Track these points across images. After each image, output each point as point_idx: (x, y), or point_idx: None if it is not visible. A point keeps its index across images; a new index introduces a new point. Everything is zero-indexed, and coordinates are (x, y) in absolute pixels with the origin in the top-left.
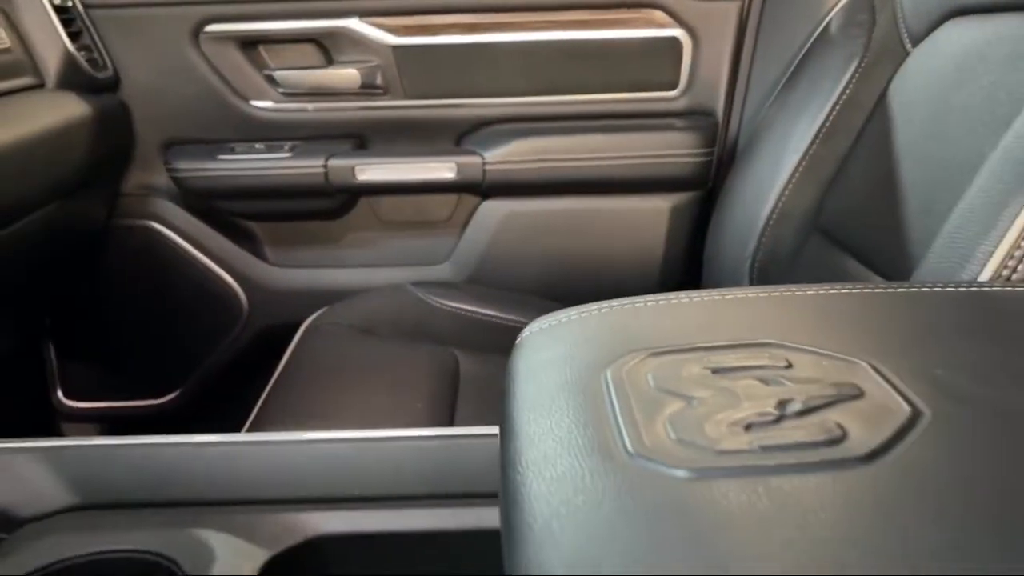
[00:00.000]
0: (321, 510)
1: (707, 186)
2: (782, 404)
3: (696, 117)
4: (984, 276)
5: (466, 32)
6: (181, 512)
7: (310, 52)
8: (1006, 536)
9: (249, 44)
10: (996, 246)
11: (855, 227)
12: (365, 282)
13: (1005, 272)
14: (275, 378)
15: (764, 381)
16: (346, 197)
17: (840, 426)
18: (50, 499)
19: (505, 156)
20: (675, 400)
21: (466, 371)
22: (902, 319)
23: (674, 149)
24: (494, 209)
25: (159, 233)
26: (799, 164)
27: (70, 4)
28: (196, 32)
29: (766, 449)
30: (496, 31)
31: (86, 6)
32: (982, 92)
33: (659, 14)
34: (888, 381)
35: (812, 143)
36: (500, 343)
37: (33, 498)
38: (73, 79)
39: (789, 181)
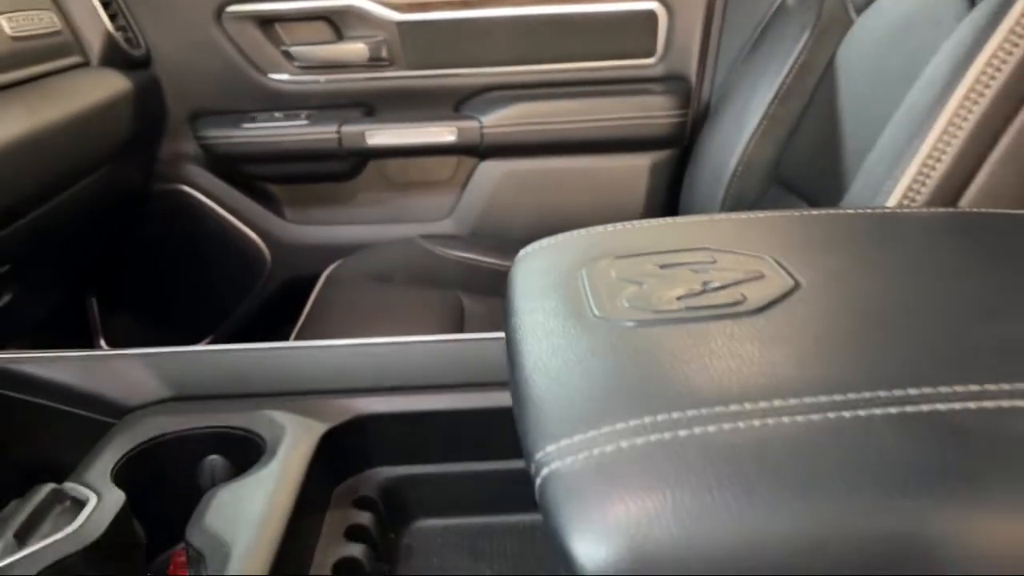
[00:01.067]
0: (364, 396)
1: (683, 144)
2: (705, 283)
3: (671, 82)
4: (890, 204)
5: (462, 8)
6: (256, 400)
7: (322, 28)
8: (861, 360)
9: (267, 22)
10: (898, 182)
11: (807, 177)
12: (375, 237)
13: (905, 202)
14: (301, 321)
15: (695, 271)
16: (357, 160)
17: (743, 295)
18: (150, 393)
19: (500, 120)
20: (631, 285)
21: (470, 311)
22: (808, 232)
23: (652, 111)
24: (491, 169)
25: (190, 195)
26: (760, 123)
27: None
28: (219, 12)
29: (690, 308)
30: (489, 6)
31: None
32: (909, 54)
33: None
34: (783, 268)
35: (771, 104)
36: (499, 287)
37: (136, 392)
38: (113, 57)
39: (752, 138)
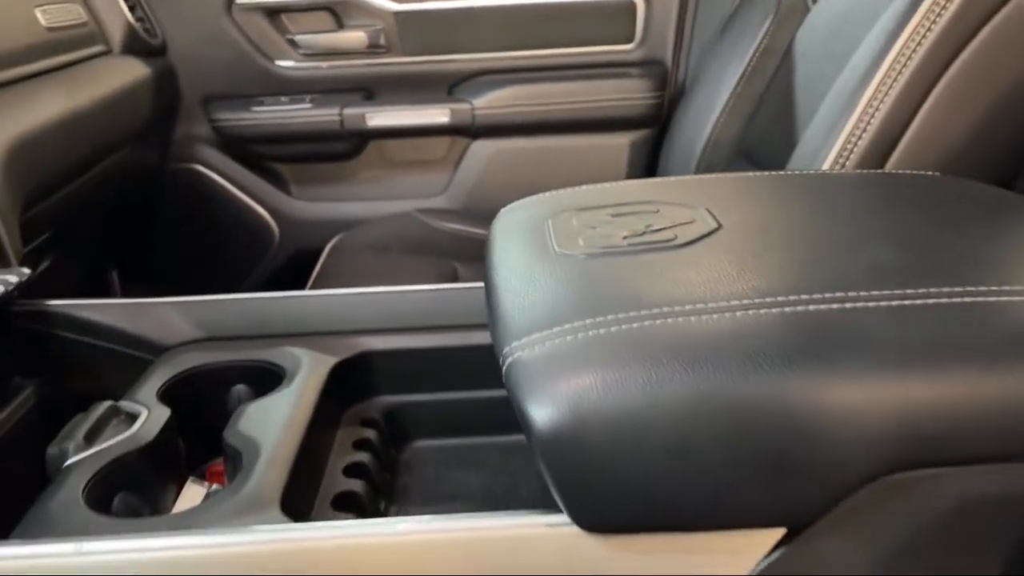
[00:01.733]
0: (370, 335)
1: (660, 124)
2: (647, 227)
3: (649, 66)
4: (824, 168)
5: None
6: (276, 339)
7: (324, 18)
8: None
9: (273, 13)
10: (831, 149)
11: (765, 150)
12: (375, 212)
13: (836, 167)
14: (309, 287)
15: (640, 218)
16: (358, 140)
17: (675, 234)
18: (185, 334)
19: (491, 103)
20: (587, 229)
21: (463, 277)
22: (739, 189)
23: (631, 94)
24: (482, 148)
25: (203, 174)
26: (728, 102)
27: None
28: (229, 4)
29: (631, 245)
30: None
31: None
32: (851, 37)
33: None
34: (712, 215)
35: (737, 85)
36: None
37: (173, 333)
38: (133, 46)
39: (720, 116)
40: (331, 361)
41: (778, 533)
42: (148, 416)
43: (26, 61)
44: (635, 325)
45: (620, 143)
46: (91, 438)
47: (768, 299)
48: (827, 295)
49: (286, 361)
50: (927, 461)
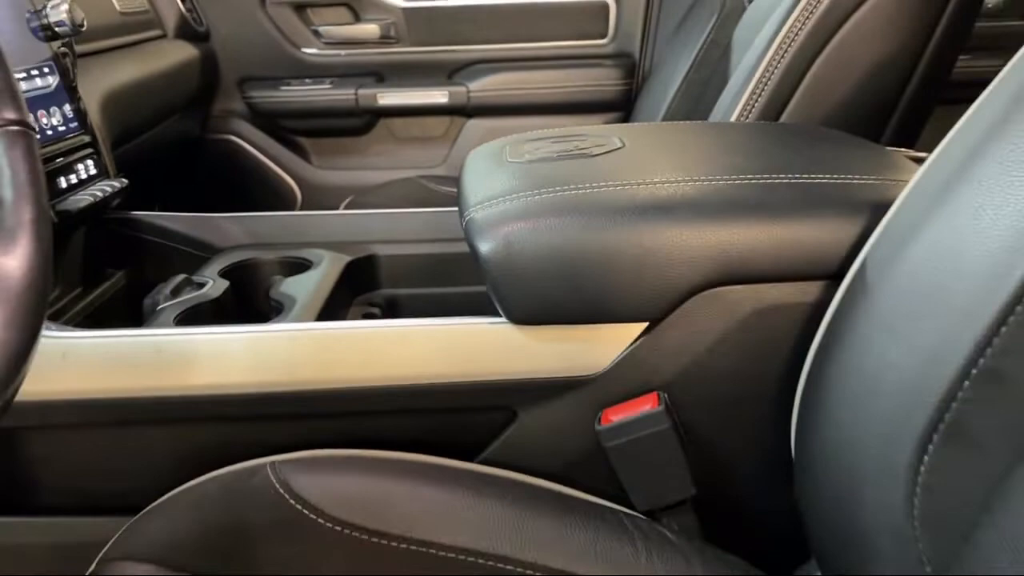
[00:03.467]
0: (376, 244)
1: (628, 108)
2: (575, 147)
3: (619, 58)
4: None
5: None
6: (304, 246)
7: (343, 12)
8: (643, 169)
9: (301, 7)
10: (737, 106)
11: None
12: (383, 179)
13: (741, 119)
14: None
15: (572, 142)
16: (370, 117)
17: (592, 150)
18: (234, 239)
19: (484, 87)
20: (533, 149)
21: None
22: (652, 130)
23: (604, 81)
24: (476, 126)
25: (237, 144)
26: (679, 88)
27: None
28: None
29: (560, 155)
30: None
31: None
32: (771, 29)
33: None
34: (621, 140)
35: (688, 72)
36: None
37: (225, 239)
38: (183, 31)
39: (673, 99)
40: (346, 259)
41: (641, 326)
42: (212, 284)
43: (107, 37)
44: (553, 194)
45: (594, 123)
46: (174, 294)
47: (641, 180)
48: (685, 178)
49: (312, 257)
50: (732, 280)
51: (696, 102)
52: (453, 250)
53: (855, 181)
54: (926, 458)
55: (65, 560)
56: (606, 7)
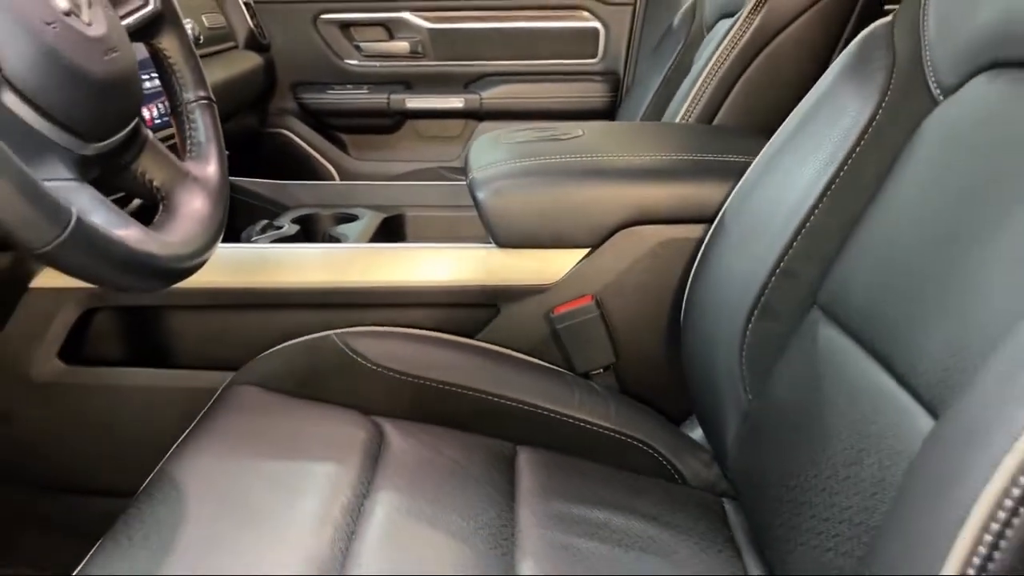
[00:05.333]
0: (407, 208)
1: (612, 116)
2: (550, 135)
3: (607, 75)
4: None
5: (470, 21)
6: (352, 207)
7: (380, 31)
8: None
9: (345, 26)
10: (679, 110)
11: None
12: (408, 169)
13: (684, 119)
14: None
15: (551, 132)
16: (399, 118)
17: (562, 136)
18: (299, 200)
19: (494, 96)
20: (520, 135)
21: None
22: (615, 126)
23: (593, 94)
24: (487, 128)
25: (288, 137)
26: (651, 100)
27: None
28: (315, 19)
29: (538, 139)
30: (487, 21)
31: (256, 1)
32: (710, 50)
33: (586, 12)
34: (583, 131)
35: (658, 88)
36: None
37: (292, 200)
38: (250, 43)
39: (646, 109)
40: (382, 216)
41: (583, 251)
42: (287, 227)
43: (200, 47)
44: (529, 162)
45: None
46: (261, 232)
47: (589, 155)
48: (618, 154)
49: (357, 213)
50: (643, 222)
51: (661, 112)
52: (461, 214)
53: (725, 157)
54: (749, 326)
55: (191, 400)
56: (597, 32)
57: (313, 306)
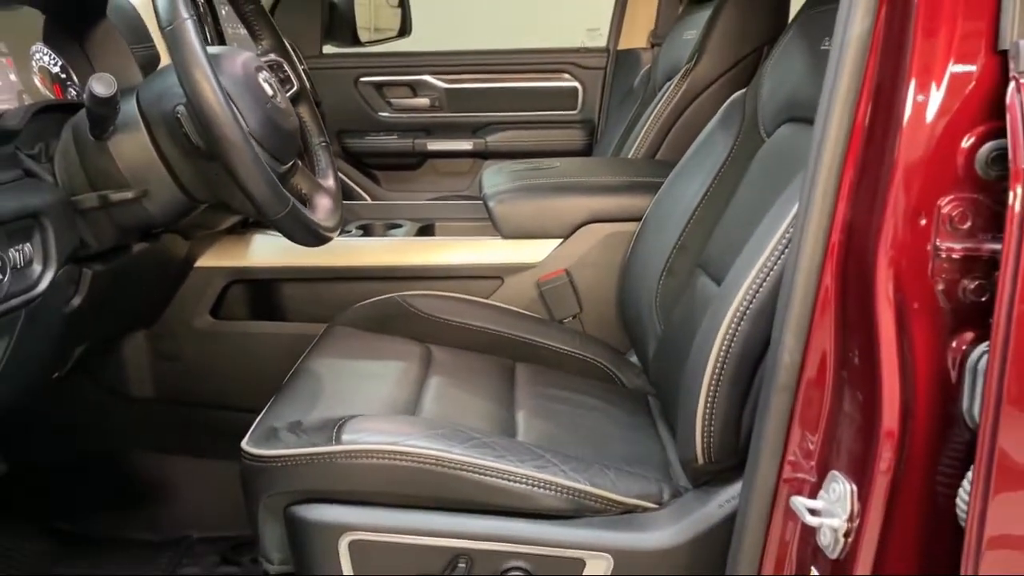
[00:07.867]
0: (434, 220)
1: (590, 154)
2: (536, 167)
3: (584, 123)
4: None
5: (478, 82)
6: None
7: (407, 90)
8: (580, 169)
9: (379, 86)
10: (631, 150)
11: None
12: (428, 198)
13: (635, 155)
14: None
15: (532, 164)
16: (421, 158)
17: (545, 168)
18: (355, 215)
19: (496, 140)
20: (517, 167)
21: None
22: (579, 161)
23: (574, 138)
24: (490, 164)
25: None
26: (617, 142)
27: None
28: (355, 80)
29: (527, 171)
30: (491, 82)
31: (311, 68)
32: (655, 105)
33: (567, 75)
34: (560, 164)
35: (622, 134)
36: None
37: (350, 214)
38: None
39: (613, 149)
40: (418, 224)
41: (558, 240)
42: (354, 231)
43: None
44: (523, 183)
45: None
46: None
47: (563, 178)
48: (582, 177)
49: (401, 222)
50: (598, 220)
51: (622, 145)
52: (474, 224)
53: (648, 179)
54: (660, 282)
55: (299, 343)
56: (576, 90)
57: (379, 278)
